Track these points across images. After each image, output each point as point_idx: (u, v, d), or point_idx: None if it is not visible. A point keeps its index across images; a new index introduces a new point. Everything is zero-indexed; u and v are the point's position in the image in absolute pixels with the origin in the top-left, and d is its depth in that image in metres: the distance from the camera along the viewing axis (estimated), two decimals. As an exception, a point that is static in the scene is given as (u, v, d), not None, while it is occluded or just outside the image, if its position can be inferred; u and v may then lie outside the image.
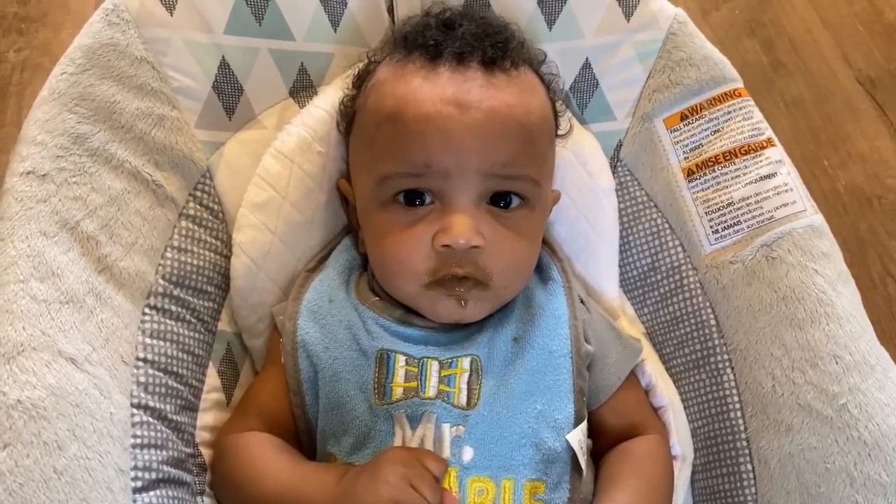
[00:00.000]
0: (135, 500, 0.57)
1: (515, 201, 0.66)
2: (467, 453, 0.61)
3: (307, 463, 0.65)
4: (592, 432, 0.68)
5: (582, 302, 0.71)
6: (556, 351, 0.66)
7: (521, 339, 0.66)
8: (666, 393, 0.72)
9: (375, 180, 0.66)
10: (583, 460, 0.64)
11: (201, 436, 0.67)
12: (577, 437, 0.64)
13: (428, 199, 0.64)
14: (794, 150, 1.20)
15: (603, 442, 0.69)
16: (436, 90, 0.63)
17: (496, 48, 0.66)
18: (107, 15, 0.68)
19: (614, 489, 0.64)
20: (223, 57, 0.72)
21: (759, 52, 1.34)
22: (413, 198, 0.64)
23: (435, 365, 0.64)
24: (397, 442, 0.61)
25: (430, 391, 0.63)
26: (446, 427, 0.62)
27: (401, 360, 0.64)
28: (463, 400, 0.63)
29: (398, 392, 0.63)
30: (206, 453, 0.67)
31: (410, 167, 0.63)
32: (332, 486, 0.59)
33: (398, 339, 0.66)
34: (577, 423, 0.64)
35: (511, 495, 0.61)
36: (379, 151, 0.66)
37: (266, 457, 0.64)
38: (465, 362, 0.65)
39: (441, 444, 0.61)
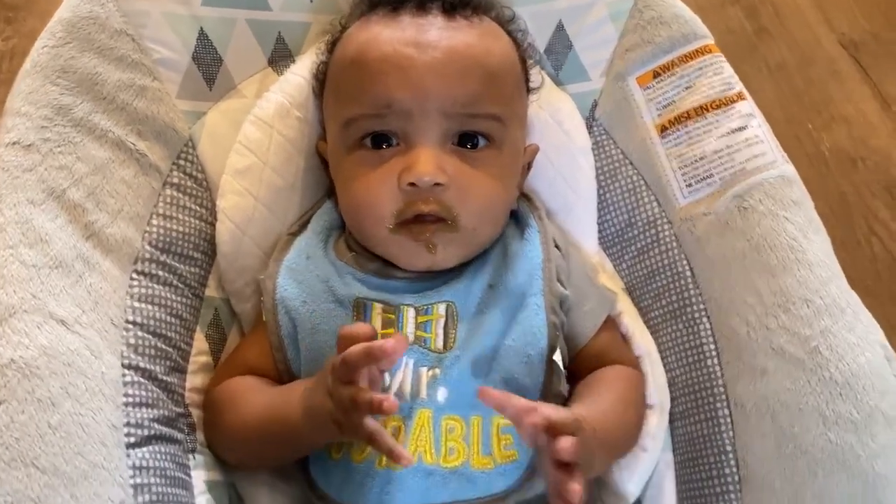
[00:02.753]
0: (129, 455, 0.58)
1: (482, 142, 0.67)
2: (442, 394, 0.63)
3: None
4: (569, 378, 0.69)
5: (558, 247, 0.72)
6: (529, 290, 0.67)
7: (496, 285, 0.68)
8: (643, 343, 0.73)
9: (341, 125, 0.67)
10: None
11: (190, 397, 0.68)
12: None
13: (394, 142, 0.66)
14: (778, 114, 1.21)
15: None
16: (395, 33, 0.65)
17: None
18: (85, -11, 0.70)
19: (585, 400, 0.66)
20: (201, 28, 0.74)
21: (742, 18, 1.35)
22: (379, 141, 0.66)
23: (411, 312, 0.66)
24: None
25: (408, 337, 0.65)
26: (423, 370, 0.63)
27: (378, 308, 0.66)
28: (440, 344, 0.65)
29: None
30: (196, 413, 0.68)
31: (372, 108, 0.65)
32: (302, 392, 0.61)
33: (374, 290, 0.67)
34: (549, 355, 0.66)
35: (479, 430, 0.63)
36: (343, 95, 0.68)
37: (252, 383, 0.67)
38: (441, 308, 0.66)
39: (418, 386, 0.63)
